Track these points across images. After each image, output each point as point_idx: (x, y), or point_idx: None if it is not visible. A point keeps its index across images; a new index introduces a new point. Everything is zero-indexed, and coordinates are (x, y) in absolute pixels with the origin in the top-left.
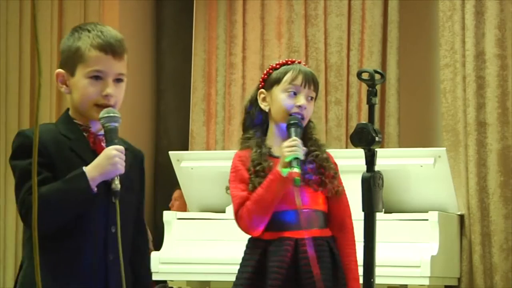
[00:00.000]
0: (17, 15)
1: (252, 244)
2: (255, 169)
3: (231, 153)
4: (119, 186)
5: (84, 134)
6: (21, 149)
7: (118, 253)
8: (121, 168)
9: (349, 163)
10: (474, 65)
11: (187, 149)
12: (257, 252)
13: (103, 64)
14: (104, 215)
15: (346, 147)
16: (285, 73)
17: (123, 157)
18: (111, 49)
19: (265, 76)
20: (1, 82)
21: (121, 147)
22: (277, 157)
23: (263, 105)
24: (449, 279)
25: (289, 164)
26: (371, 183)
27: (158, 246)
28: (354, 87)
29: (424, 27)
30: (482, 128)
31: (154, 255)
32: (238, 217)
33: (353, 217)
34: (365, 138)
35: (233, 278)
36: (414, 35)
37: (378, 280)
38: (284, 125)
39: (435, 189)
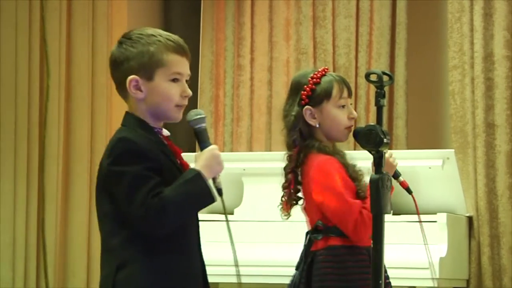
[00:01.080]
0: (26, 17)
1: (354, 251)
2: (354, 175)
3: (240, 155)
4: (221, 183)
5: (160, 136)
6: (128, 154)
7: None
8: (223, 166)
9: (357, 164)
10: (483, 66)
11: (194, 151)
12: (366, 259)
13: (181, 66)
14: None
15: (355, 149)
16: (332, 87)
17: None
18: (184, 50)
19: (309, 92)
20: (11, 83)
21: (217, 146)
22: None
23: (313, 122)
24: (457, 281)
25: (395, 175)
26: (380, 185)
27: None
28: (362, 88)
29: (433, 29)
30: (491, 129)
31: None
32: (358, 227)
33: None
34: (373, 140)
35: (242, 279)
36: (422, 36)
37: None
38: (337, 137)
39: (443, 191)
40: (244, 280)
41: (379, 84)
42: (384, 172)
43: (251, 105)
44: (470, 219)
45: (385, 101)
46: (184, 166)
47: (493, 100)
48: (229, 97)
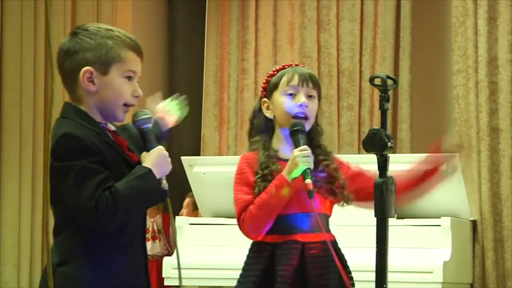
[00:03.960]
0: (31, 21)
1: (257, 248)
2: (263, 173)
3: None
4: (167, 185)
5: (103, 129)
6: (73, 150)
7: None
8: (171, 167)
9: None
10: (487, 70)
11: (199, 155)
12: (263, 255)
13: (137, 65)
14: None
15: (359, 153)
16: (282, 77)
17: None
18: (141, 51)
19: (265, 84)
20: (16, 87)
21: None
22: (285, 160)
23: (268, 113)
24: (461, 285)
25: (302, 176)
26: (384, 189)
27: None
28: (366, 92)
29: (437, 33)
30: (495, 133)
31: (166, 260)
32: (240, 221)
33: (365, 223)
34: (378, 144)
35: None
36: (426, 40)
37: (390, 286)
38: (286, 128)
39: (447, 195)
40: None
41: (384, 88)
42: (388, 176)
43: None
44: (474, 223)
45: (389, 105)
46: (132, 158)
47: (497, 104)
48: (233, 100)
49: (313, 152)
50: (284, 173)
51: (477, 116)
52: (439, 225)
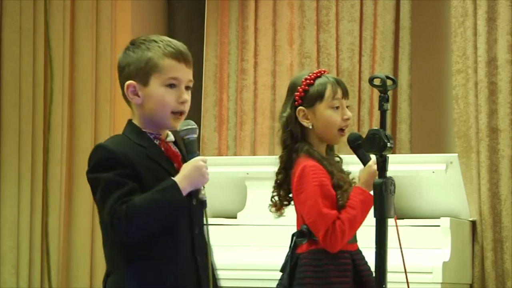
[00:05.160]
0: (30, 21)
1: (336, 255)
2: (339, 184)
3: (243, 158)
4: (205, 195)
5: (155, 142)
6: (104, 162)
7: (204, 255)
8: (208, 178)
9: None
10: (486, 71)
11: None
12: (348, 263)
13: (178, 72)
14: (189, 218)
15: None
16: (325, 88)
17: (207, 167)
18: (183, 56)
19: (302, 93)
20: (15, 87)
21: (205, 158)
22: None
23: (305, 123)
24: (461, 285)
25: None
26: (383, 189)
27: None
28: (366, 93)
29: (436, 33)
30: (494, 134)
31: None
32: (328, 235)
33: (365, 223)
34: (377, 144)
35: (245, 283)
36: (426, 41)
37: (390, 286)
38: (330, 139)
39: (447, 195)
40: (247, 284)
41: (383, 89)
42: (387, 176)
43: (254, 109)
44: (473, 223)
45: (388, 106)
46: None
47: (496, 105)
48: (233, 101)
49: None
50: (364, 187)
51: (477, 117)
52: (438, 226)
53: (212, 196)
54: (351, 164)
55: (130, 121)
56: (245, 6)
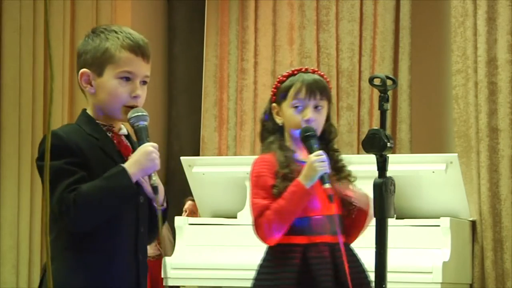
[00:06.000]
0: (30, 21)
1: (282, 249)
2: (283, 172)
3: (243, 158)
4: (157, 181)
5: (108, 134)
6: (54, 150)
7: (146, 254)
8: (158, 163)
9: (361, 169)
10: (486, 71)
11: (198, 155)
12: (295, 257)
13: (134, 66)
14: (135, 215)
15: (358, 153)
16: (290, 88)
17: (158, 153)
18: (141, 50)
19: (275, 89)
20: (15, 87)
21: (156, 144)
22: (301, 162)
23: (278, 119)
24: (461, 285)
25: (320, 181)
26: (383, 189)
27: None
28: (366, 93)
29: (436, 33)
30: (494, 134)
31: (167, 260)
32: (257, 226)
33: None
34: (377, 144)
35: (244, 283)
36: (426, 40)
37: (389, 286)
38: (296, 133)
39: (447, 195)
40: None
41: (383, 88)
42: (387, 176)
43: (254, 108)
44: (473, 223)
45: (388, 105)
46: None
47: (496, 105)
48: (233, 100)
49: (328, 154)
50: (300, 179)
51: (477, 117)
52: (438, 226)
53: (212, 196)
54: (368, 164)
55: (84, 111)
56: (245, 6)
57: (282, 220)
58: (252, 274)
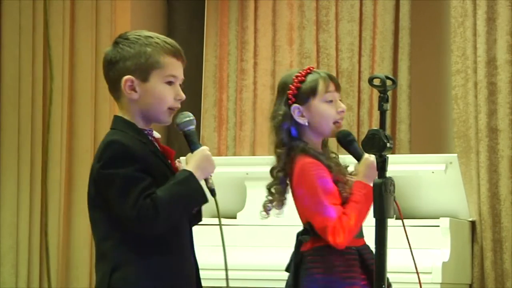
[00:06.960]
0: (30, 21)
1: (342, 251)
2: (339, 177)
3: (243, 159)
4: (213, 184)
5: (150, 138)
6: (119, 157)
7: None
8: (215, 165)
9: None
10: (486, 71)
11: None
12: (355, 258)
13: (176, 69)
14: (188, 216)
15: None
16: (317, 83)
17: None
18: (181, 54)
19: (295, 91)
20: (14, 87)
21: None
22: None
23: (301, 120)
24: (460, 285)
25: None
26: (383, 189)
27: None
28: (365, 93)
29: (436, 33)
30: (494, 134)
31: None
32: (334, 230)
33: (365, 223)
34: (377, 144)
35: (244, 283)
36: (425, 41)
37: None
38: (327, 129)
39: (446, 195)
40: (247, 284)
41: (382, 89)
42: (387, 177)
43: (254, 109)
44: (473, 223)
45: (388, 106)
46: (175, 169)
47: (496, 105)
48: (232, 101)
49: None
50: (364, 180)
51: (476, 117)
52: (438, 226)
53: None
54: (351, 164)
55: (119, 117)
56: (245, 7)
57: (359, 224)
58: (251, 274)
